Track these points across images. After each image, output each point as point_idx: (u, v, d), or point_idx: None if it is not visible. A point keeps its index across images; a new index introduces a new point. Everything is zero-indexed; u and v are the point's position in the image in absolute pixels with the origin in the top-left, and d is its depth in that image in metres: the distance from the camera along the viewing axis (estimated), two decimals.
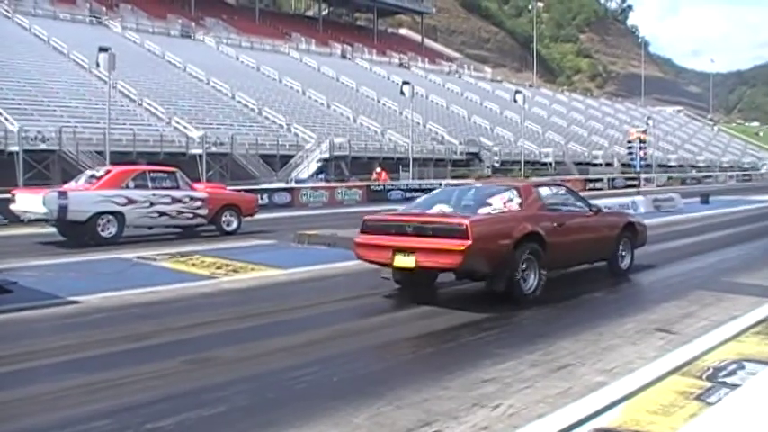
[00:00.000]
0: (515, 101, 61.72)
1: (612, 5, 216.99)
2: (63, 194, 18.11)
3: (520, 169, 52.27)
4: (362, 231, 10.88)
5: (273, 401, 6.16)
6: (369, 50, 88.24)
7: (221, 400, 6.18)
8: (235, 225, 20.81)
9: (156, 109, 46.09)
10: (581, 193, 14.46)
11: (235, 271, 13.11)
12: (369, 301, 10.67)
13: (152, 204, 19.19)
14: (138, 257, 14.84)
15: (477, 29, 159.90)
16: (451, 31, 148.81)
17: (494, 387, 6.51)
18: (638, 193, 36.92)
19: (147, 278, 12.22)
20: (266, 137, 46.98)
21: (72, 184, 19.50)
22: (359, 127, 55.54)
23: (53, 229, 19.11)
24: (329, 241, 16.95)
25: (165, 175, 19.89)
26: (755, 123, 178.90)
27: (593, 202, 12.85)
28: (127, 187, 18.88)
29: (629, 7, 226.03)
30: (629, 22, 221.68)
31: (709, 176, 72.00)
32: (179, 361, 7.39)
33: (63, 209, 17.90)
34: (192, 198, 20.01)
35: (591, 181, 52.64)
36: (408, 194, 36.30)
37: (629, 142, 56.75)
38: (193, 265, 13.84)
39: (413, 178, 44.61)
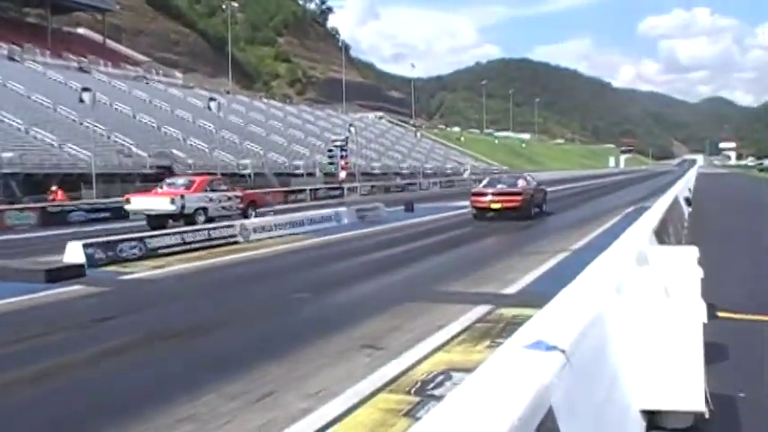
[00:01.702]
0: (210, 108, 61.39)
1: (312, 6, 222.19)
2: (182, 197, 28.17)
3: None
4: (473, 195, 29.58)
5: None
6: (42, 52, 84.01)
7: None
8: (254, 215, 29.82)
9: None
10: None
11: None
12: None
13: (219, 201, 29.62)
14: None
15: (166, 29, 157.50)
16: (138, 31, 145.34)
17: (191, 426, 6.31)
18: (342, 204, 37.89)
19: None
20: None
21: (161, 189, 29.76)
22: (32, 140, 52.63)
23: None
24: None
25: (221, 181, 31.97)
26: (456, 129, 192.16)
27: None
28: (208, 190, 29.46)
29: (329, 9, 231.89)
30: (330, 24, 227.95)
31: (413, 183, 75.43)
32: None
33: (182, 206, 27.98)
34: (236, 197, 30.74)
35: (292, 192, 53.30)
36: (93, 215, 34.91)
37: (330, 150, 58.21)
38: None
39: (97, 196, 42.93)
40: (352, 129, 77.48)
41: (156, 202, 28.62)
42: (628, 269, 6.43)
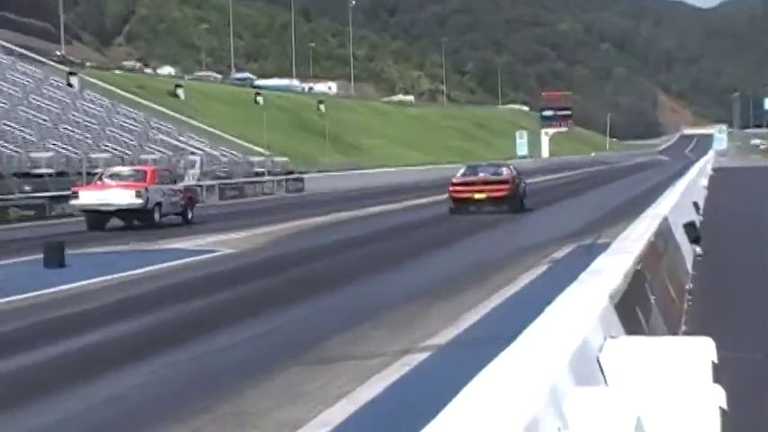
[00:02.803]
0: None
1: None
2: (146, 189, 25.11)
3: None
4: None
5: None
6: None
7: None
8: (191, 216, 27.60)
9: None
10: None
11: None
12: None
13: (170, 196, 26.53)
14: None
15: None
16: None
17: None
18: None
19: None
20: None
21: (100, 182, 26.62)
22: None
23: None
24: None
25: (168, 173, 29.32)
26: (169, 70, 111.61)
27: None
28: (159, 183, 26.37)
29: None
30: None
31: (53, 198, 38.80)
32: None
33: (147, 200, 25.06)
34: (179, 191, 27.62)
35: None
36: None
37: None
38: None
39: None
40: None
41: (116, 195, 25.19)
42: None
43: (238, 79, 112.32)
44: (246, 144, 68.17)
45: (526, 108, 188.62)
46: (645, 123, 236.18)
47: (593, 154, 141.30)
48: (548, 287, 9.55)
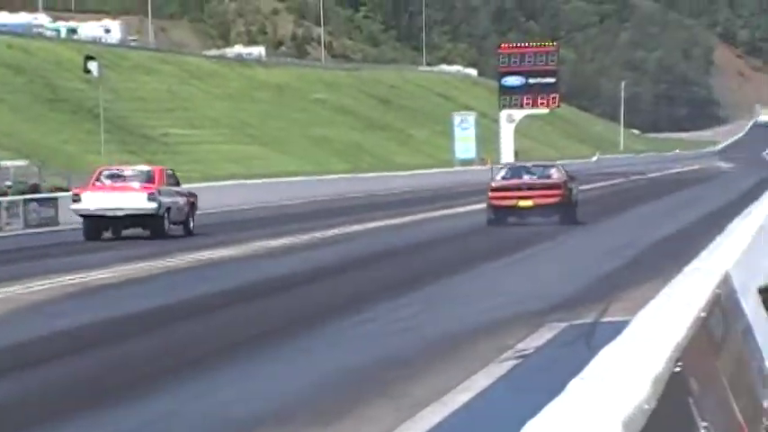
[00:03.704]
0: None
1: None
2: (159, 192, 23.08)
3: None
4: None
5: None
6: None
7: None
8: (192, 223, 25.29)
9: None
10: None
11: None
12: None
13: (178, 201, 24.11)
14: None
15: None
16: None
17: None
18: None
19: None
20: None
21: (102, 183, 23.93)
22: None
23: None
24: None
25: (171, 173, 25.85)
26: None
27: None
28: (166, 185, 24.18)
29: None
30: None
31: None
32: None
33: (160, 205, 23.07)
34: (184, 194, 25.08)
35: None
36: None
37: None
38: None
39: None
40: None
41: (126, 199, 23.11)
42: None
43: None
44: None
45: (473, 72, 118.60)
46: (691, 101, 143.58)
47: (595, 157, 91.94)
48: (505, 409, 7.10)
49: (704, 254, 8.08)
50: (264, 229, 27.37)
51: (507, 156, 71.66)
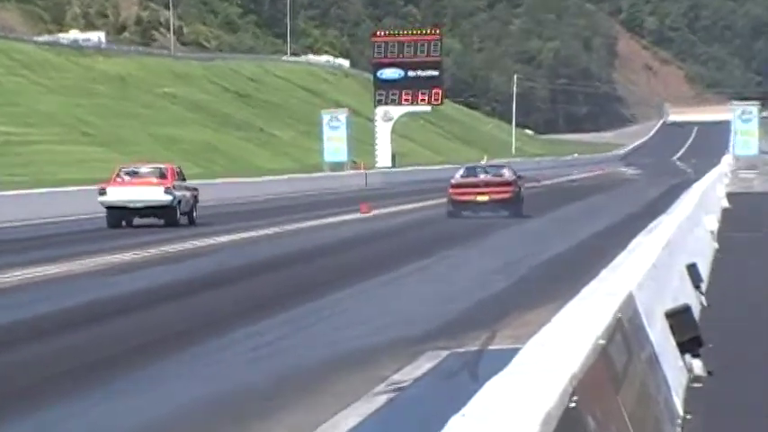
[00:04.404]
0: None
1: None
2: (174, 186, 27.35)
3: None
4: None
5: None
6: None
7: None
8: (195, 215, 28.96)
9: None
10: None
11: None
12: None
13: (186, 194, 28.47)
14: None
15: None
16: None
17: None
18: None
19: None
20: None
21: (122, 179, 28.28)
22: None
23: None
24: None
25: (178, 169, 29.70)
26: None
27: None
28: (177, 179, 28.57)
29: None
30: None
31: None
32: None
33: (174, 198, 27.07)
34: (190, 189, 29.33)
35: None
36: None
37: None
38: None
39: None
40: None
41: (146, 192, 27.38)
42: None
43: None
44: None
45: (345, 63, 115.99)
46: (592, 98, 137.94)
47: (483, 162, 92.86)
48: None
49: (604, 273, 7.61)
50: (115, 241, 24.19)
51: (384, 159, 70.43)
